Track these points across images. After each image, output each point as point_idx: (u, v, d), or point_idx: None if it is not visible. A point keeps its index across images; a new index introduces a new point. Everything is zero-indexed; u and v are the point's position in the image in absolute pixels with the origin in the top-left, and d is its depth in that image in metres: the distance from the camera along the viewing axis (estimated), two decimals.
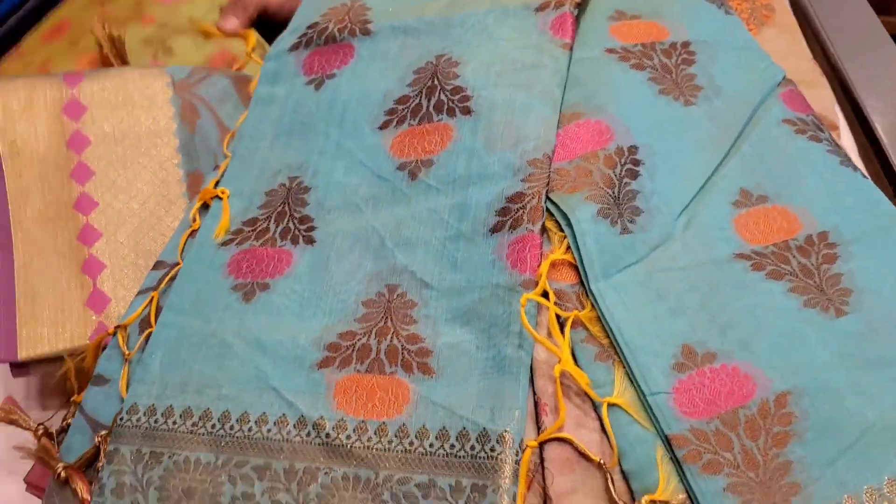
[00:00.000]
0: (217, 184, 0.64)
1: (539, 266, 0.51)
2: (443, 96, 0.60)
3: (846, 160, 0.59)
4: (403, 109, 0.61)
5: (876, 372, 0.48)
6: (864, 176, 0.59)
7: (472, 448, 0.46)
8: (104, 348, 0.57)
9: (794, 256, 0.53)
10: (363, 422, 0.48)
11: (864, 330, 0.50)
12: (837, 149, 0.60)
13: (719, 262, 0.53)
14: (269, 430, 0.49)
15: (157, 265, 0.60)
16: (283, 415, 0.49)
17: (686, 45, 0.64)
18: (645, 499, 0.44)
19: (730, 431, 0.46)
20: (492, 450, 0.45)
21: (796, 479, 0.44)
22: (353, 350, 0.51)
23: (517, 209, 0.53)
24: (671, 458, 0.46)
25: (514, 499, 0.44)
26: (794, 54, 0.70)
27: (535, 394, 0.49)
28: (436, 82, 0.61)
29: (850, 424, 0.46)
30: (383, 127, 0.61)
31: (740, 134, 0.60)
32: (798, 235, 0.54)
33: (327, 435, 0.48)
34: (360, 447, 0.47)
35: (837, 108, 0.68)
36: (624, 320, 0.49)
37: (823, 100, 0.67)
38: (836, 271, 0.53)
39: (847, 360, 0.48)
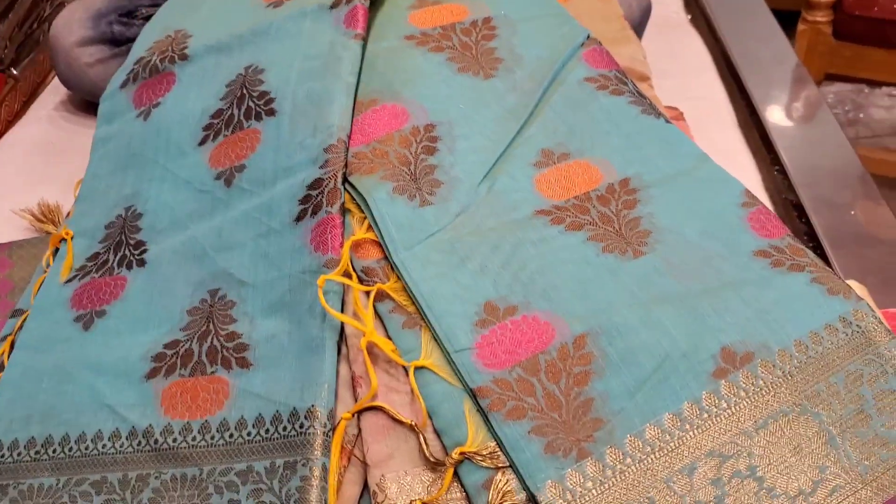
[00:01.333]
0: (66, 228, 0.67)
1: (341, 246, 0.53)
2: (251, 103, 0.63)
3: (649, 108, 0.62)
4: (218, 123, 0.64)
5: (671, 305, 0.50)
6: (668, 121, 0.61)
7: (285, 429, 0.48)
8: None
9: (594, 206, 0.56)
10: (188, 423, 0.50)
11: (661, 267, 0.52)
12: (641, 99, 0.63)
13: (521, 221, 0.55)
14: (103, 446, 0.51)
15: (15, 313, 0.62)
16: (117, 429, 0.51)
17: (487, 20, 0.67)
18: (455, 452, 0.46)
19: (531, 377, 0.48)
20: (300, 426, 0.47)
21: (599, 414, 0.46)
22: (177, 357, 0.53)
23: (317, 195, 0.56)
24: (478, 409, 0.48)
25: (326, 469, 0.46)
26: (604, 16, 0.73)
27: (350, 368, 0.51)
28: (244, 91, 0.64)
29: (646, 357, 0.48)
30: (202, 142, 0.64)
31: (541, 98, 0.62)
32: (599, 186, 0.57)
33: (155, 441, 0.50)
34: (185, 447, 0.49)
35: (648, 61, 0.71)
36: (427, 287, 0.52)
37: (634, 54, 0.70)
38: (636, 215, 0.55)
39: (642, 297, 0.51)
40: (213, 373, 0.52)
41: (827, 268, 0.53)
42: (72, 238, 0.64)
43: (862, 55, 1.11)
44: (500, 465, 0.46)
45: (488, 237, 0.54)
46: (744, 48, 0.91)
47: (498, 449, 0.46)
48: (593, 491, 0.44)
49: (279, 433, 0.48)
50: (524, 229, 0.55)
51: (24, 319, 0.61)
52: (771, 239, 0.54)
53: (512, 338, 0.49)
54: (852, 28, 1.21)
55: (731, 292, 0.50)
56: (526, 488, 0.45)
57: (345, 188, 0.56)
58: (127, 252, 0.61)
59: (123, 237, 0.62)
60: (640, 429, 0.46)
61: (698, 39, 0.94)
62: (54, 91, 0.94)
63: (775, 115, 0.82)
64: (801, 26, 1.24)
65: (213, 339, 0.53)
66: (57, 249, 0.65)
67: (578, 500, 0.44)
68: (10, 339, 0.60)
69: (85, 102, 0.87)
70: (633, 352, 0.48)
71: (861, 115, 1.34)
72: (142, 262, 0.60)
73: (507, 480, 0.45)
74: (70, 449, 0.52)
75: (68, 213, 0.68)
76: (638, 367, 0.48)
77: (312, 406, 0.48)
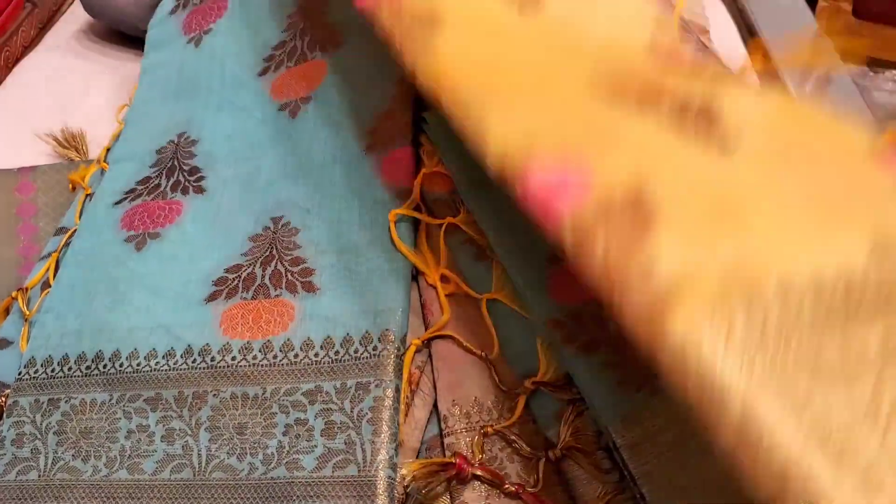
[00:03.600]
0: (108, 151, 0.65)
1: (413, 178, 0.52)
2: (316, 34, 0.61)
3: None
4: (280, 54, 0.62)
5: None
6: None
7: (356, 351, 0.47)
8: (8, 313, 0.58)
9: None
10: (248, 343, 0.49)
11: None
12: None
13: None
14: (157, 364, 0.50)
15: (59, 231, 0.61)
16: (172, 348, 0.50)
17: None
18: (528, 382, 0.46)
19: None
20: (374, 349, 0.46)
21: None
22: (239, 280, 0.52)
23: (389, 126, 0.54)
24: (549, 342, 0.47)
25: (398, 391, 0.45)
26: None
27: (421, 297, 0.50)
28: (308, 24, 0.62)
29: None
30: (262, 73, 0.62)
31: None
32: None
33: (212, 359, 0.49)
34: (245, 366, 0.48)
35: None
36: (495, 223, 0.51)
37: (692, 6, 0.69)
38: None
39: None
40: (277, 296, 0.50)
41: None
42: (117, 163, 0.63)
43: (880, 35, 1.11)
44: (571, 397, 0.45)
45: None
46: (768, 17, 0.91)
47: (569, 382, 0.46)
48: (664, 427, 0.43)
49: (350, 355, 0.47)
50: None
51: (70, 236, 0.59)
52: None
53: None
54: (872, 7, 1.21)
55: None
56: (597, 422, 0.44)
57: (416, 121, 0.55)
58: (181, 177, 0.60)
59: (176, 162, 0.61)
60: None
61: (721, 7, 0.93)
62: (71, 19, 0.91)
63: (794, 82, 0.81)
64: (821, 3, 1.25)
65: (277, 263, 0.52)
66: (103, 171, 0.64)
67: (650, 437, 0.43)
68: (55, 255, 0.59)
69: (106, 32, 0.85)
70: None
71: (865, 99, 1.34)
72: (199, 189, 0.58)
73: (579, 413, 0.45)
74: (121, 365, 0.50)
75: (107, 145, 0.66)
76: None
77: (386, 330, 0.47)
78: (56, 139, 0.72)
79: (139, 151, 0.63)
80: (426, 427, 0.47)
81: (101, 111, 0.74)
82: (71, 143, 0.71)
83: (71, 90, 0.80)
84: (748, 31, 0.87)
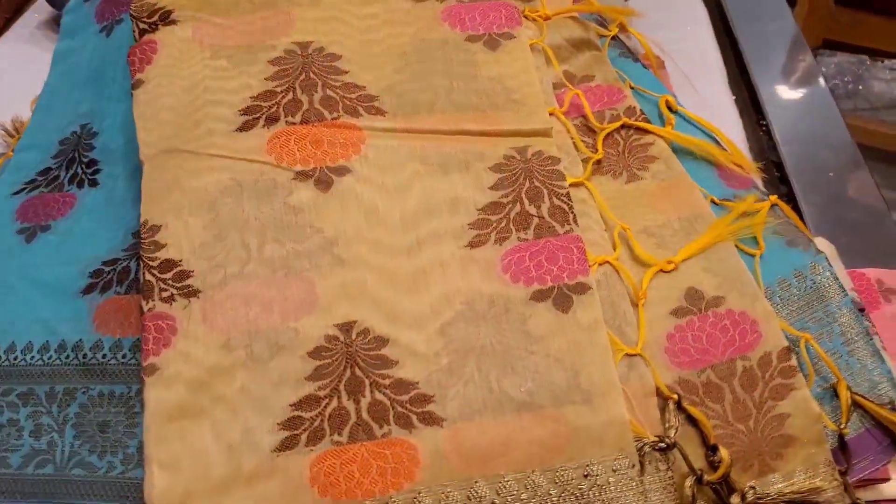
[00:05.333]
0: (19, 140, 0.65)
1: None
2: None
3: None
4: None
5: None
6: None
7: None
8: None
9: None
10: (119, 340, 0.49)
11: None
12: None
13: None
14: (32, 358, 0.50)
15: None
16: (47, 341, 0.50)
17: None
18: None
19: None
20: None
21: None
22: (114, 273, 0.52)
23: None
24: None
25: None
26: None
27: None
28: None
29: None
30: None
31: None
32: None
33: (84, 355, 0.49)
34: (114, 364, 0.48)
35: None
36: None
37: None
38: None
39: None
40: None
41: (790, 220, 0.51)
42: (22, 151, 0.63)
43: (861, 22, 1.08)
44: None
45: None
46: (740, 4, 0.89)
47: None
48: None
49: None
50: None
51: None
52: (736, 189, 0.53)
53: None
54: None
55: None
56: None
57: None
58: (79, 170, 0.60)
59: (77, 154, 0.61)
60: None
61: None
62: (39, 9, 0.91)
63: (766, 76, 0.80)
64: None
65: None
66: (8, 160, 0.64)
67: None
68: None
69: None
70: None
71: (860, 88, 1.31)
72: (94, 182, 0.58)
73: None
74: None
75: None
76: None
77: None
78: (5, 129, 0.72)
79: (44, 142, 0.63)
80: None
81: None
82: (20, 131, 0.71)
83: (32, 80, 0.80)
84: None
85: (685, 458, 0.42)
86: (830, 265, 0.48)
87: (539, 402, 0.42)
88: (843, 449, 0.44)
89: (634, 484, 0.41)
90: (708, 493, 0.42)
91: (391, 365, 0.44)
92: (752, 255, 0.49)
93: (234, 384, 0.44)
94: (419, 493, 0.41)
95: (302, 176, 0.51)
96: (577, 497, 0.41)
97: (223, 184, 0.51)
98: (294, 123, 0.54)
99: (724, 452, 0.42)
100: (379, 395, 0.43)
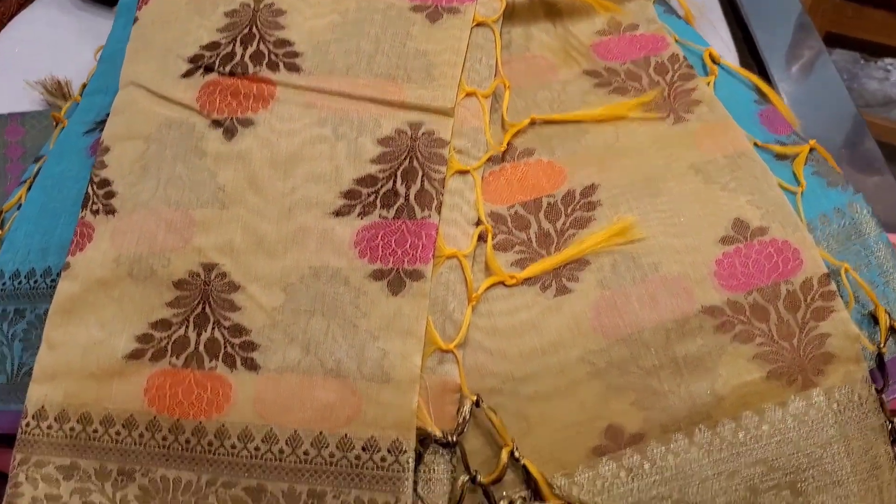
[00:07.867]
0: (85, 87, 0.68)
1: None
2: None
3: None
4: None
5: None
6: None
7: None
8: None
9: None
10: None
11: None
12: None
13: None
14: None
15: (37, 159, 0.64)
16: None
17: None
18: None
19: None
20: None
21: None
22: None
23: None
24: None
25: None
26: None
27: None
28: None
29: None
30: None
31: None
32: None
33: (35, 281, 0.55)
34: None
35: None
36: None
37: None
38: None
39: None
40: None
41: (828, 163, 0.55)
42: (90, 95, 0.66)
43: (864, 16, 1.13)
44: None
45: None
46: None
47: None
48: None
49: None
50: None
51: (43, 163, 0.62)
52: (778, 135, 0.57)
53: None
54: None
55: None
56: None
57: None
58: None
59: None
60: None
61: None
62: None
63: (778, 62, 0.84)
64: None
65: None
66: (76, 104, 0.67)
67: None
68: (29, 181, 0.61)
69: None
70: None
71: (855, 85, 1.37)
72: None
73: None
74: None
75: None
76: None
77: None
78: (45, 87, 0.75)
79: (111, 85, 0.65)
80: None
81: (91, 64, 0.76)
82: (58, 90, 0.76)
83: (64, 44, 0.83)
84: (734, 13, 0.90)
85: (464, 457, 0.45)
86: (867, 204, 0.53)
87: (345, 373, 0.46)
88: (881, 368, 0.48)
89: (405, 469, 0.44)
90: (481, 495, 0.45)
91: (235, 310, 0.49)
92: (794, 193, 0.53)
93: (113, 293, 0.51)
94: (223, 424, 0.47)
95: (215, 124, 0.56)
96: (353, 466, 0.45)
97: (159, 123, 0.57)
98: (224, 74, 0.58)
99: (504, 455, 0.45)
100: (217, 334, 0.49)
